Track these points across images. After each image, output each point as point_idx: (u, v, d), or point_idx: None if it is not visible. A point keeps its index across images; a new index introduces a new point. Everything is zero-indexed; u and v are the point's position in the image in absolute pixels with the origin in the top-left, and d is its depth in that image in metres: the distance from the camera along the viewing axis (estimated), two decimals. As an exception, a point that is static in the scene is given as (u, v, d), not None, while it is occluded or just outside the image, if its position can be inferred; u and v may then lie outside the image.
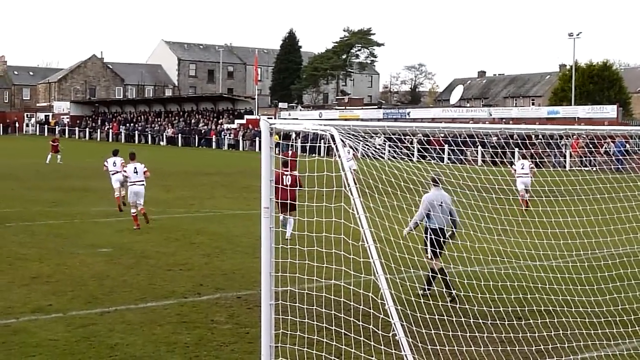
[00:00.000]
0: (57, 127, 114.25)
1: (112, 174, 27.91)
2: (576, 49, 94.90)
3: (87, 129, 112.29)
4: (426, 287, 14.45)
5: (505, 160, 31.72)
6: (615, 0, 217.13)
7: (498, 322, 11.96)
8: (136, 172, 24.28)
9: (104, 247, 20.19)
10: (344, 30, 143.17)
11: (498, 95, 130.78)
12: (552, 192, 16.87)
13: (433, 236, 13.96)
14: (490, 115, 78.38)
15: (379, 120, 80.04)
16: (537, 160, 33.01)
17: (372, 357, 9.62)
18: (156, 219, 25.92)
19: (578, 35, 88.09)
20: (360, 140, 9.83)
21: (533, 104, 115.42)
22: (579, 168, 36.40)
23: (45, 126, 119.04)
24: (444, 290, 14.22)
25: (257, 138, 78.00)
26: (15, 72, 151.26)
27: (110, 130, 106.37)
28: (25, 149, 74.76)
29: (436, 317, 11.10)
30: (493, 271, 14.67)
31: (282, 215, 19.68)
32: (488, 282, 13.06)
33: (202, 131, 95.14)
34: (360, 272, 9.65)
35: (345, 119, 78.41)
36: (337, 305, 10.40)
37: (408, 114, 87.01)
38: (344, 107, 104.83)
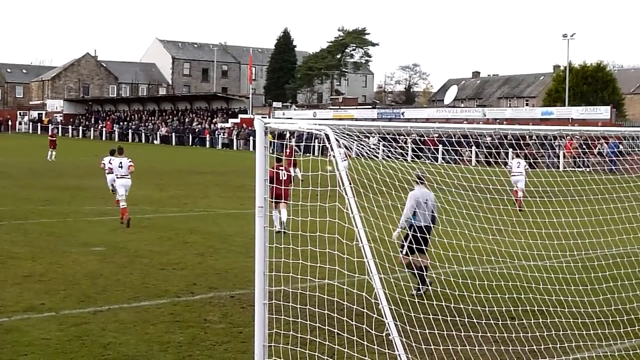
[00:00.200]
0: (50, 125, 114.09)
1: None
2: (570, 50, 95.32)
3: (81, 128, 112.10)
4: (420, 286, 14.45)
5: (499, 160, 31.86)
6: (610, 2, 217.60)
7: (492, 321, 11.95)
8: (121, 167, 24.94)
9: (97, 245, 20.14)
10: (339, 30, 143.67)
11: (492, 96, 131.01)
12: (546, 193, 16.87)
13: (418, 234, 13.99)
14: (484, 115, 78.48)
15: (373, 120, 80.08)
16: (531, 160, 33.12)
17: (366, 356, 9.60)
18: (150, 218, 25.91)
19: (572, 36, 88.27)
20: (355, 140, 9.81)
21: (527, 104, 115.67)
22: (573, 169, 36.49)
23: (39, 124, 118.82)
24: (418, 284, 14.35)
25: (251, 137, 77.99)
26: (8, 70, 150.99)
27: (104, 129, 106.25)
28: (18, 147, 74.61)
29: (430, 316, 11.09)
30: (487, 271, 14.69)
31: (275, 212, 20.25)
32: (482, 282, 13.04)
33: (196, 130, 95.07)
34: (354, 272, 9.63)
35: (340, 119, 78.41)
36: (330, 304, 10.39)
37: (402, 114, 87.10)
38: (338, 107, 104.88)
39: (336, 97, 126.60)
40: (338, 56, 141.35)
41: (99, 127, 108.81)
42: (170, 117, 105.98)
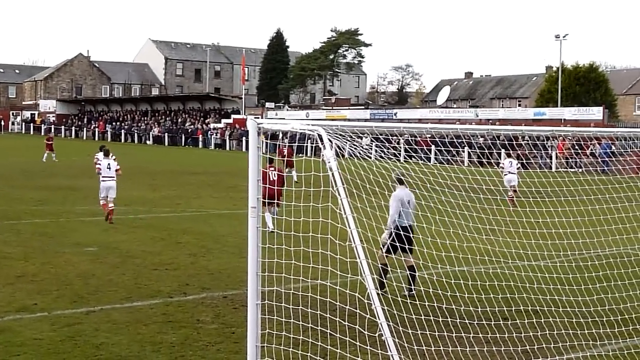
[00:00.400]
0: (43, 125, 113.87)
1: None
2: (563, 51, 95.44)
3: (74, 128, 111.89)
4: (411, 286, 14.46)
5: (492, 160, 32.10)
6: (602, 3, 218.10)
7: (485, 322, 11.95)
8: (109, 168, 25.21)
9: (90, 246, 20.11)
10: (332, 31, 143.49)
11: (485, 97, 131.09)
12: (539, 193, 16.88)
13: (402, 233, 14.02)
14: (477, 116, 78.54)
15: (366, 120, 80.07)
16: (524, 161, 33.25)
17: (358, 357, 9.59)
18: (142, 218, 25.89)
19: (565, 37, 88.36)
20: (348, 141, 9.81)
21: (519, 105, 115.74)
22: (565, 169, 36.57)
23: (31, 125, 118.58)
24: (407, 286, 14.42)
25: (244, 138, 77.96)
26: (1, 70, 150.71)
27: (97, 129, 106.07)
28: (11, 148, 74.43)
29: (422, 317, 11.08)
30: (480, 271, 14.71)
31: (267, 213, 20.27)
32: (475, 282, 13.05)
33: (189, 130, 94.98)
34: (347, 272, 9.62)
35: (333, 119, 78.42)
36: (323, 305, 10.38)
37: (395, 114, 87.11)
38: (331, 107, 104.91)
39: (329, 98, 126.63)
40: (331, 57, 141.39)
41: (92, 128, 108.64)
42: (163, 117, 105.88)
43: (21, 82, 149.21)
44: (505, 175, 30.39)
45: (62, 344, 11.62)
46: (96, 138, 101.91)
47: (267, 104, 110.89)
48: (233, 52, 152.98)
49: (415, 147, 39.86)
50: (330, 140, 8.73)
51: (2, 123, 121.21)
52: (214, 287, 15.67)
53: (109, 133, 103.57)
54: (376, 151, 12.45)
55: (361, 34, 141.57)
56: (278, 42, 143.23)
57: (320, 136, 8.52)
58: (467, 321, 11.84)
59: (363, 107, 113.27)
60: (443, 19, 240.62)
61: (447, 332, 11.07)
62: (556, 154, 50.56)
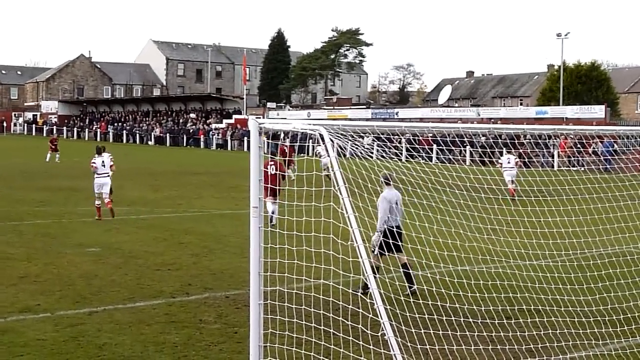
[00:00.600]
0: (45, 126, 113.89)
1: (98, 176, 25.91)
2: (564, 49, 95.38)
3: (75, 129, 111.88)
4: (412, 284, 14.46)
5: (494, 159, 32.53)
6: (604, 1, 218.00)
7: (488, 321, 11.96)
8: (103, 165, 25.94)
9: (92, 246, 20.12)
10: (333, 30, 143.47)
11: (486, 96, 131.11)
12: (541, 192, 16.89)
13: (393, 232, 14.04)
14: (479, 115, 78.55)
15: (367, 120, 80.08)
16: (526, 160, 33.39)
17: (361, 356, 9.60)
18: (144, 219, 25.91)
19: (566, 35, 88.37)
20: (349, 140, 9.81)
21: (521, 104, 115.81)
22: (567, 168, 36.54)
23: (33, 126, 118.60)
24: (407, 284, 14.41)
25: (246, 138, 77.97)
26: (3, 72, 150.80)
27: (99, 130, 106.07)
28: (13, 149, 74.45)
29: (425, 316, 11.09)
30: (483, 270, 14.70)
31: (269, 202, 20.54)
32: (478, 281, 13.06)
33: (191, 131, 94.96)
34: (350, 272, 9.63)
35: (334, 119, 78.41)
36: (326, 304, 10.37)
37: (396, 113, 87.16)
38: (332, 107, 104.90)
39: (330, 97, 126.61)
40: (332, 56, 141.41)
41: (94, 128, 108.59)
42: (165, 117, 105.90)
43: (23, 84, 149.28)
44: (504, 171, 31.58)
45: (65, 345, 11.63)
46: (98, 139, 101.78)
47: (269, 104, 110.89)
48: (234, 52, 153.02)
49: (417, 146, 39.86)
50: (331, 140, 8.74)
51: (4, 124, 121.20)
52: (217, 287, 15.68)
53: (110, 134, 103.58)
54: (378, 151, 12.47)
55: (362, 34, 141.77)
56: (279, 42, 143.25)
57: (321, 136, 8.53)
58: (470, 320, 11.84)
59: (364, 106, 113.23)
60: (444, 18, 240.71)
61: (451, 331, 11.07)
62: (558, 152, 50.52)
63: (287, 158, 35.25)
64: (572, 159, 41.99)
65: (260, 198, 8.95)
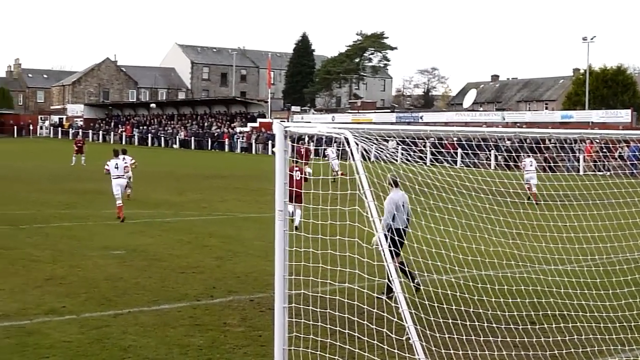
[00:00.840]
0: (70, 129, 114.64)
1: (114, 177, 26.79)
2: (590, 53, 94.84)
3: (101, 132, 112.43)
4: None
5: (519, 164, 32.85)
6: (630, 5, 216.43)
7: (512, 326, 11.91)
8: (117, 168, 26.94)
9: (117, 249, 20.21)
10: (357, 34, 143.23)
11: (511, 100, 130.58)
12: (567, 197, 16.79)
13: (396, 236, 13.97)
14: (504, 119, 78.27)
15: (392, 124, 79.99)
16: (552, 164, 33.47)
17: (386, 360, 9.59)
18: (169, 222, 26.00)
19: (592, 39, 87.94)
20: (374, 144, 9.81)
21: (546, 108, 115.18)
22: (593, 172, 36.34)
23: (59, 129, 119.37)
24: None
25: (270, 141, 78.10)
26: (30, 75, 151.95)
27: (124, 133, 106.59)
28: (39, 152, 74.97)
29: (450, 321, 11.06)
30: (507, 275, 14.62)
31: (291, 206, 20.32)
32: (502, 286, 13.00)
33: (215, 134, 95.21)
34: (375, 276, 9.62)
35: (358, 123, 78.39)
36: (350, 308, 10.36)
37: (421, 117, 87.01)
38: (356, 111, 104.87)
39: (355, 101, 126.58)
40: (356, 60, 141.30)
41: (119, 132, 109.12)
42: (190, 121, 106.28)
43: (49, 87, 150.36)
44: (526, 173, 32.25)
45: (90, 347, 11.70)
46: (123, 142, 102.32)
47: (293, 108, 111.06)
48: (259, 56, 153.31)
49: (442, 150, 39.78)
50: (356, 144, 8.74)
51: (31, 127, 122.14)
52: (241, 290, 15.71)
53: (136, 137, 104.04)
54: (402, 154, 12.45)
55: (387, 38, 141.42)
56: (304, 46, 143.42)
57: (347, 139, 8.53)
58: (494, 325, 11.79)
59: (389, 110, 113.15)
60: (469, 21, 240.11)
61: (475, 336, 11.04)
62: (584, 156, 50.26)
63: (303, 160, 35.31)
64: (598, 163, 41.74)
65: (285, 202, 8.96)
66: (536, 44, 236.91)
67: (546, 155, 33.76)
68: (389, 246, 14.02)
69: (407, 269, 14.51)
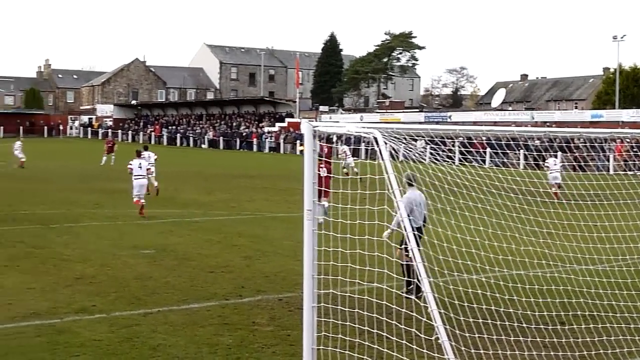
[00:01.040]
0: (100, 129, 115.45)
1: (136, 177, 27.40)
2: (620, 52, 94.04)
3: (130, 132, 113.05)
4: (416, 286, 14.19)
5: (543, 163, 33.04)
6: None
7: (542, 326, 11.84)
8: (140, 167, 27.57)
9: (147, 248, 20.31)
10: (385, 34, 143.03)
11: (540, 99, 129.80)
12: (597, 196, 16.67)
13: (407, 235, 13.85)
14: (533, 118, 77.85)
15: (420, 123, 79.77)
16: (582, 164, 33.36)
17: (415, 360, 9.55)
18: (198, 221, 26.09)
19: (622, 38, 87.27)
20: (402, 143, 9.78)
21: (576, 107, 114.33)
22: (624, 172, 36.07)
23: (89, 129, 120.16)
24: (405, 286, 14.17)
25: (298, 141, 78.19)
26: (60, 76, 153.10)
27: (153, 133, 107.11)
28: (69, 152, 75.53)
29: (480, 320, 11.02)
30: (538, 275, 14.54)
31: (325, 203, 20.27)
32: (532, 286, 12.93)
33: (244, 134, 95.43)
34: (403, 275, 9.59)
35: (387, 122, 78.26)
36: (379, 308, 10.35)
37: (449, 117, 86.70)
38: (385, 111, 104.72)
39: (383, 101, 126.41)
40: (384, 60, 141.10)
41: (148, 132, 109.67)
42: (218, 121, 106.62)
43: (79, 87, 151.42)
44: (550, 173, 32.42)
45: (120, 345, 11.76)
46: (152, 142, 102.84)
47: (321, 108, 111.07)
48: (287, 56, 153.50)
49: (471, 149, 39.66)
50: (385, 143, 8.71)
51: (61, 127, 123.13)
52: (269, 289, 15.73)
53: (165, 137, 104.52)
54: (431, 154, 12.41)
55: (415, 37, 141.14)
56: (332, 46, 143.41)
57: (375, 139, 8.51)
58: (524, 325, 11.73)
59: (417, 110, 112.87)
60: (498, 20, 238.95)
61: (505, 336, 10.99)
62: (614, 156, 49.90)
63: (324, 158, 35.25)
64: (629, 162, 41.42)
65: (314, 201, 8.95)
66: (566, 43, 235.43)
67: (576, 154, 33.55)
68: (406, 244, 14.01)
69: (410, 272, 14.40)
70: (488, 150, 39.93)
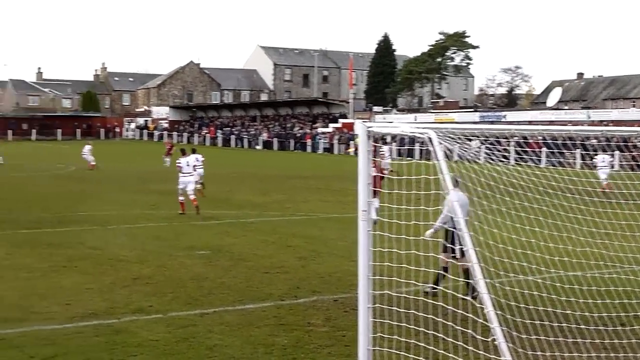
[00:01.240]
0: (156, 131, 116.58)
1: (183, 175, 28.63)
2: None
3: (185, 134, 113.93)
4: (432, 286, 14.02)
5: (592, 161, 33.24)
6: None
7: (601, 327, 11.68)
8: (188, 165, 28.76)
9: (202, 249, 20.46)
10: (439, 33, 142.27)
11: (597, 98, 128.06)
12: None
13: (451, 237, 13.68)
14: (589, 117, 76.82)
15: (474, 123, 79.20)
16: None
17: (471, 362, 9.49)
18: (253, 222, 26.22)
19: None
20: (457, 143, 9.73)
21: (634, 106, 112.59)
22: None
23: (145, 131, 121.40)
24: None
25: (351, 142, 78.17)
26: (116, 78, 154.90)
27: (207, 135, 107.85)
28: (125, 153, 76.43)
29: (536, 322, 10.91)
30: (595, 276, 14.35)
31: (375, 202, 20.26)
32: (590, 287, 12.76)
33: (297, 135, 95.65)
34: (459, 276, 9.53)
35: (441, 122, 77.86)
36: (434, 309, 10.30)
37: (504, 116, 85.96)
38: (439, 110, 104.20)
39: (437, 101, 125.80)
40: (438, 60, 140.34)
41: (203, 133, 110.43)
42: (272, 122, 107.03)
43: (135, 90, 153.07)
44: (599, 169, 33.06)
45: (176, 345, 11.87)
46: (207, 143, 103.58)
47: (375, 108, 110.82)
48: (340, 56, 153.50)
49: (526, 149, 39.33)
50: (440, 143, 8.67)
51: (117, 129, 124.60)
52: (325, 290, 15.75)
53: (219, 138, 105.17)
54: (486, 154, 12.32)
55: (469, 36, 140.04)
56: (385, 46, 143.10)
57: (430, 139, 8.47)
58: (582, 326, 11.59)
59: (472, 109, 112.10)
60: (553, 18, 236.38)
61: (562, 338, 10.86)
62: (674, 155, 49.12)
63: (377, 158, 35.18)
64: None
65: (369, 202, 8.94)
66: (623, 40, 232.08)
67: (634, 153, 33.21)
68: (453, 244, 13.89)
69: (471, 281, 14.26)
70: (544, 149, 39.65)
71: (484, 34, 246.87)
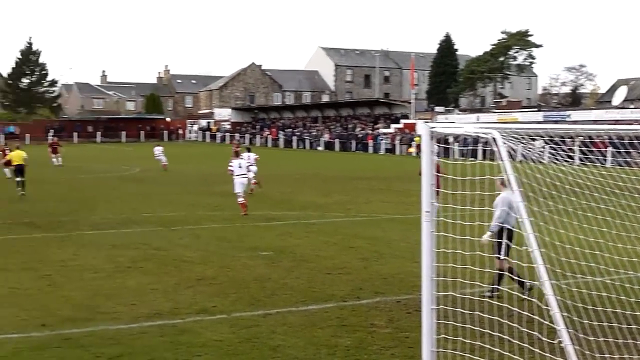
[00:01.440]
0: (218, 133, 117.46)
1: (236, 176, 29.01)
2: None
3: (247, 135, 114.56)
4: (493, 288, 13.81)
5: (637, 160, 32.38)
6: None
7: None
8: (240, 167, 29.13)
9: (265, 250, 20.54)
10: (502, 32, 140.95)
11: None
12: None
13: (507, 237, 13.47)
14: (656, 116, 75.38)
15: (538, 122, 78.25)
16: None
17: (537, 364, 9.37)
18: (315, 223, 26.25)
19: None
20: (521, 143, 9.62)
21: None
22: None
23: (207, 133, 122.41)
24: (518, 287, 13.72)
25: (413, 142, 77.86)
26: (179, 81, 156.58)
27: (269, 136, 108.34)
28: (188, 155, 77.12)
29: (604, 324, 10.72)
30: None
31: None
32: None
33: (359, 136, 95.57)
34: (524, 278, 9.41)
35: (504, 122, 77.09)
36: (499, 310, 10.20)
37: (569, 116, 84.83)
38: (501, 110, 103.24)
39: (499, 100, 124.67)
40: (501, 59, 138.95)
41: (265, 135, 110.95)
42: (334, 123, 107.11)
43: (197, 92, 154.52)
44: None
45: (240, 346, 11.93)
46: (269, 145, 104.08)
47: (437, 108, 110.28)
48: (402, 57, 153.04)
49: (592, 149, 38.80)
50: (504, 143, 8.58)
51: (180, 131, 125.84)
52: (387, 291, 15.69)
53: (281, 140, 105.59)
54: (551, 154, 12.15)
55: (532, 35, 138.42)
56: (447, 46, 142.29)
57: (494, 139, 8.39)
58: (651, 329, 11.36)
59: (535, 109, 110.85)
60: (617, 15, 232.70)
61: (632, 340, 10.67)
62: None
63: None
64: None
65: (432, 203, 8.88)
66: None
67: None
68: (498, 245, 13.71)
69: (504, 278, 14.07)
70: (609, 149, 39.22)
71: (547, 33, 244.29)
